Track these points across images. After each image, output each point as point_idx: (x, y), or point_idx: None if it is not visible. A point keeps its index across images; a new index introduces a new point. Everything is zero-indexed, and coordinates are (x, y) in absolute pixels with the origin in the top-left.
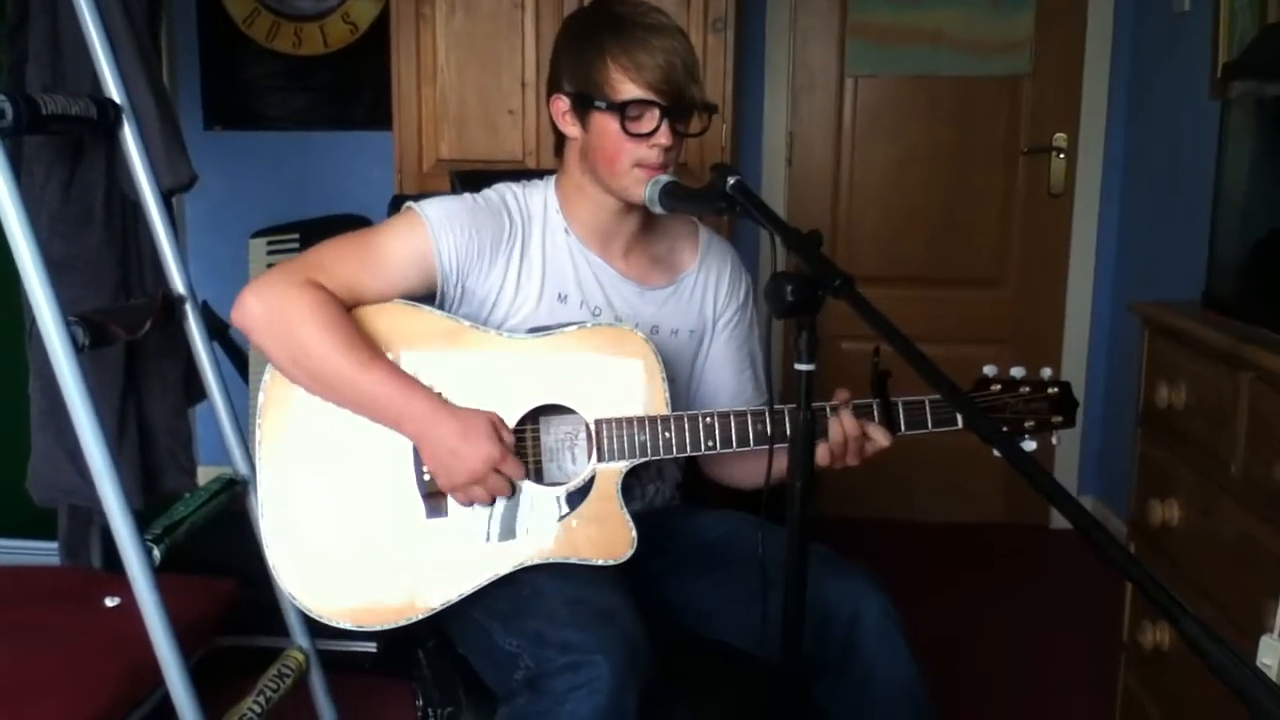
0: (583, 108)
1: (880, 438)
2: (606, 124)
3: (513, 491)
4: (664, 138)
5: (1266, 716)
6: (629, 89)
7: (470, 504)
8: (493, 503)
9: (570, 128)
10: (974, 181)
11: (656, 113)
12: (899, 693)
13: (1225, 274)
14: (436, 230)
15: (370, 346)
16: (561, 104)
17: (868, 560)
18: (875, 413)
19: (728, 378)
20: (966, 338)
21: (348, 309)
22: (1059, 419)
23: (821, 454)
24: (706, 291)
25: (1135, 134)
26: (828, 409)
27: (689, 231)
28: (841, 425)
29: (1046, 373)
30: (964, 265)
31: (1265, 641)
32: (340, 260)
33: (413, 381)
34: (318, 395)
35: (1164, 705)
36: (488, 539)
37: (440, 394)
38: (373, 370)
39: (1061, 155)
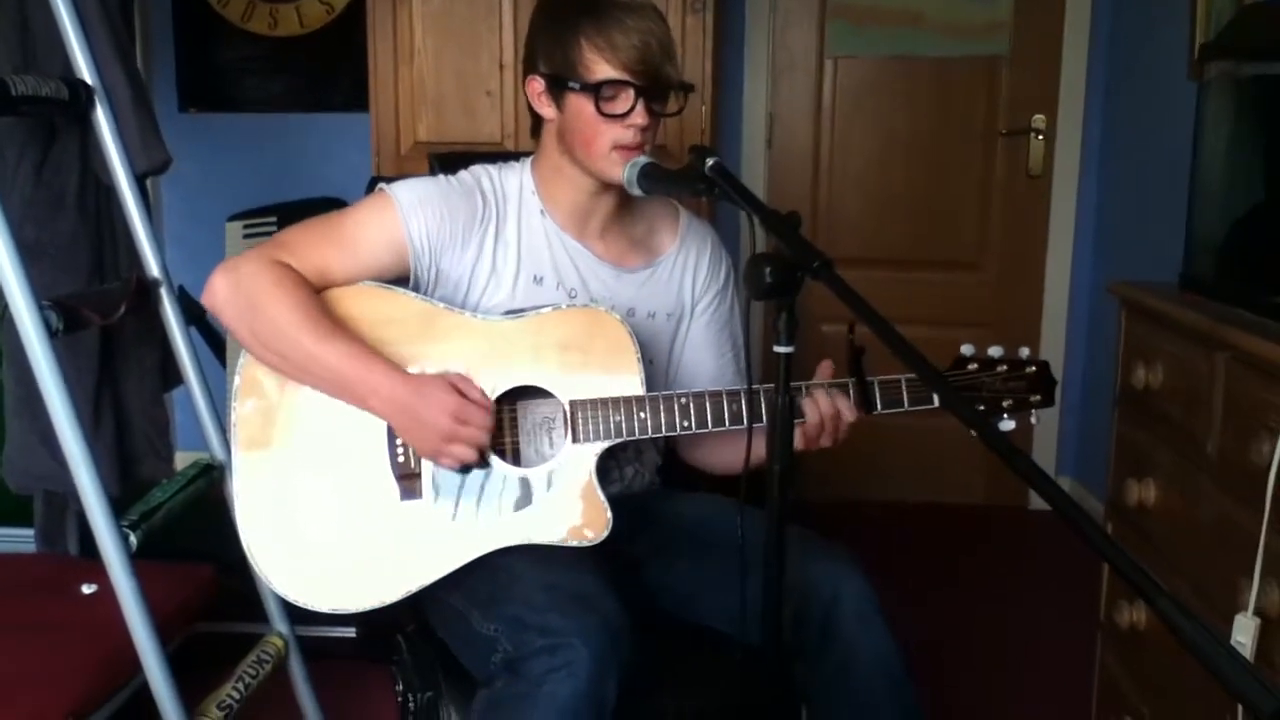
0: (558, 89)
1: (845, 409)
2: (581, 105)
3: (488, 446)
4: (640, 118)
5: (1240, 695)
6: (603, 70)
7: (458, 468)
8: (479, 462)
9: (546, 109)
10: (953, 163)
11: (631, 93)
12: (879, 673)
13: (1202, 255)
14: (406, 212)
15: (333, 322)
16: (537, 85)
17: (847, 542)
18: (850, 391)
19: (707, 361)
20: (946, 320)
21: (317, 290)
22: (1037, 398)
23: (798, 439)
24: (685, 274)
25: (1113, 115)
26: (803, 388)
27: (669, 213)
28: (817, 405)
29: (1024, 352)
30: (943, 247)
31: (1239, 620)
32: (310, 242)
33: (372, 354)
34: (283, 372)
35: (1141, 683)
36: (464, 520)
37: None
38: (332, 343)
39: (1040, 137)
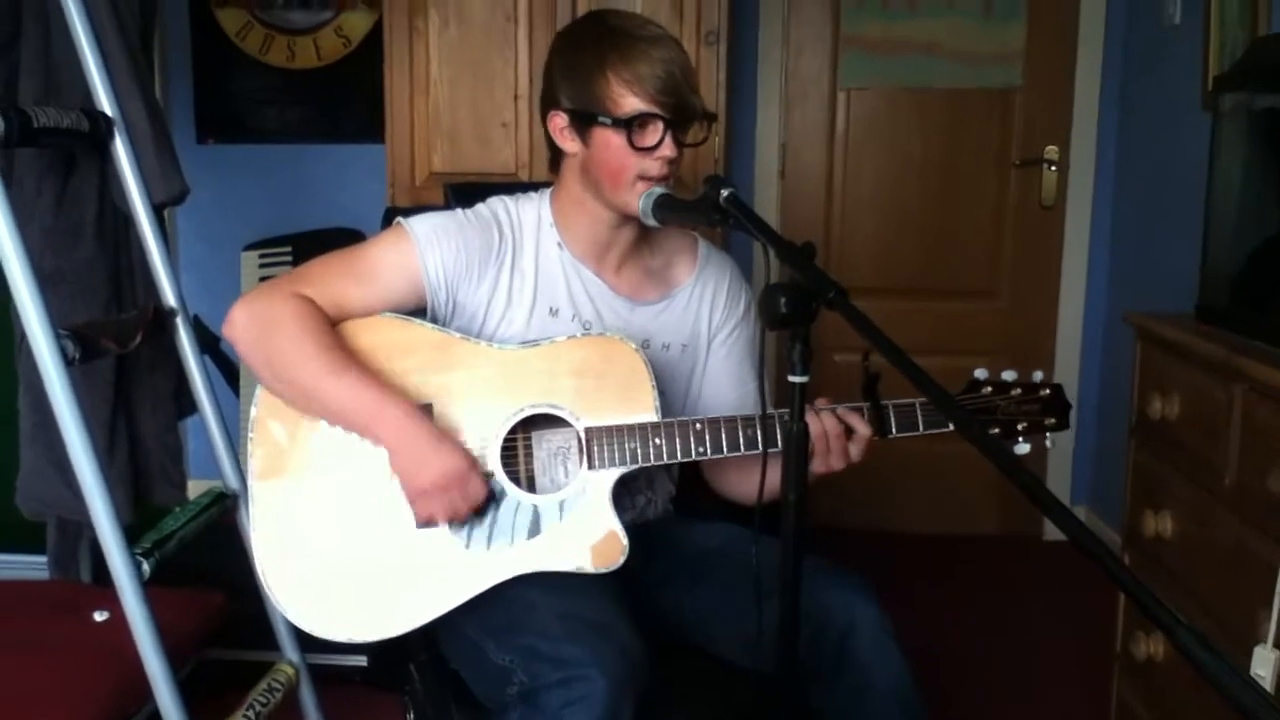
0: (584, 123)
1: (861, 426)
2: (609, 139)
3: (480, 510)
4: (668, 150)
5: None
6: (632, 103)
7: (428, 520)
8: (452, 522)
9: (570, 144)
10: (966, 193)
11: (660, 125)
12: (893, 700)
13: (1218, 285)
14: (423, 246)
15: (347, 355)
16: (560, 120)
17: (860, 571)
18: (866, 416)
19: (728, 391)
20: (959, 349)
21: (335, 323)
22: (1052, 421)
23: None
24: (702, 305)
25: (1127, 146)
26: (815, 411)
27: (687, 245)
28: (820, 422)
29: (1038, 375)
30: (957, 277)
31: (1259, 652)
32: (328, 275)
33: (388, 390)
34: (297, 405)
35: (1158, 715)
36: (479, 548)
37: (427, 405)
38: (345, 375)
39: (1053, 168)
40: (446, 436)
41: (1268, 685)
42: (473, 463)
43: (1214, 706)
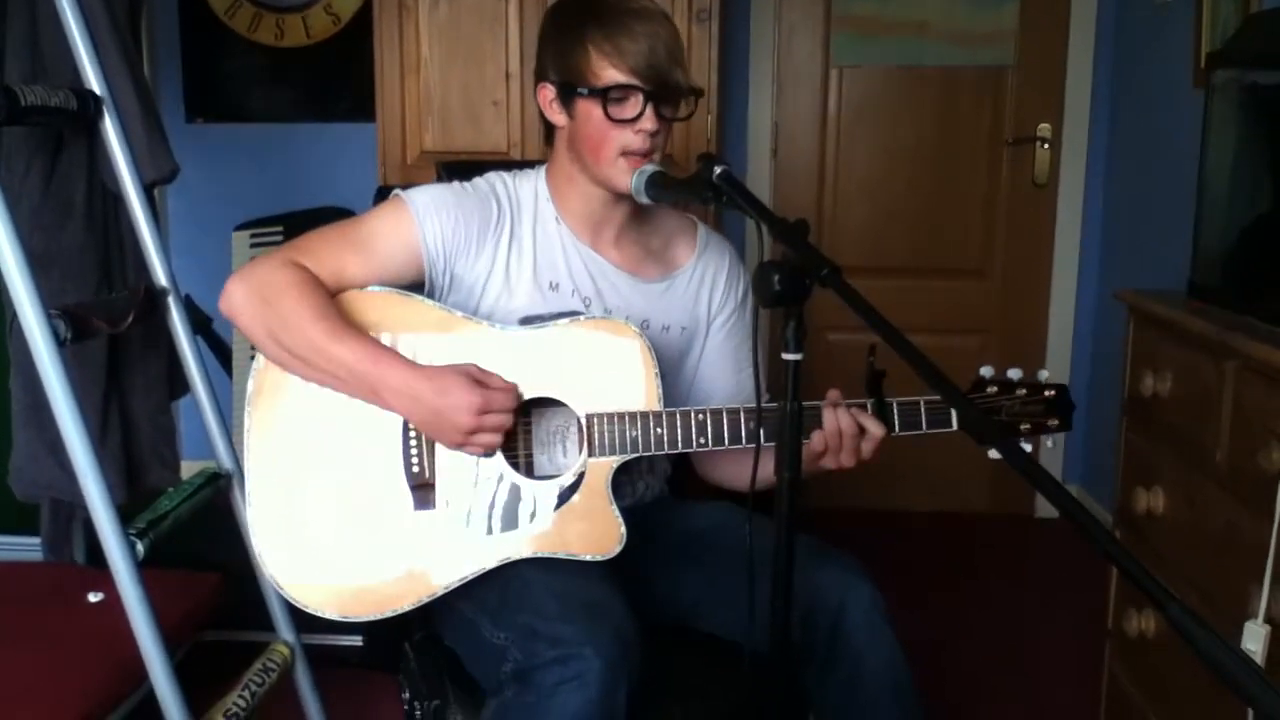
0: (567, 95)
1: (874, 426)
2: (590, 111)
3: (512, 424)
4: (648, 123)
5: (1253, 701)
6: (611, 74)
7: (485, 454)
8: (501, 447)
9: (557, 116)
10: (959, 172)
11: (640, 98)
12: (886, 680)
13: (1210, 263)
14: (422, 216)
15: (346, 320)
16: (547, 93)
17: (853, 551)
18: (870, 410)
19: (725, 375)
20: (951, 328)
21: (333, 293)
22: (1055, 422)
23: (816, 441)
24: (702, 288)
25: (1119, 124)
26: (821, 408)
27: (686, 228)
28: (836, 418)
29: (1044, 375)
30: (949, 255)
31: (1249, 627)
32: (326, 245)
33: (386, 350)
34: (297, 373)
35: (1149, 691)
36: (476, 531)
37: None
38: (345, 339)
39: (1046, 145)
40: (447, 377)
41: (1258, 660)
42: (480, 389)
43: (1205, 683)
